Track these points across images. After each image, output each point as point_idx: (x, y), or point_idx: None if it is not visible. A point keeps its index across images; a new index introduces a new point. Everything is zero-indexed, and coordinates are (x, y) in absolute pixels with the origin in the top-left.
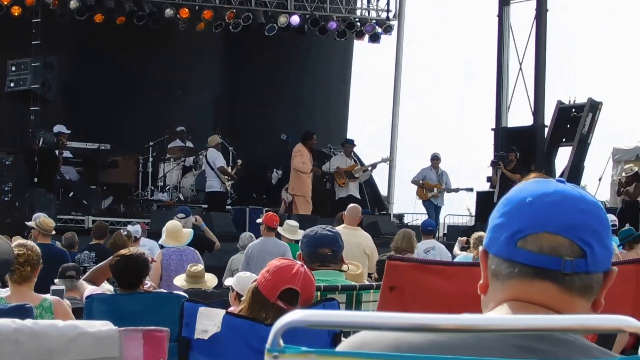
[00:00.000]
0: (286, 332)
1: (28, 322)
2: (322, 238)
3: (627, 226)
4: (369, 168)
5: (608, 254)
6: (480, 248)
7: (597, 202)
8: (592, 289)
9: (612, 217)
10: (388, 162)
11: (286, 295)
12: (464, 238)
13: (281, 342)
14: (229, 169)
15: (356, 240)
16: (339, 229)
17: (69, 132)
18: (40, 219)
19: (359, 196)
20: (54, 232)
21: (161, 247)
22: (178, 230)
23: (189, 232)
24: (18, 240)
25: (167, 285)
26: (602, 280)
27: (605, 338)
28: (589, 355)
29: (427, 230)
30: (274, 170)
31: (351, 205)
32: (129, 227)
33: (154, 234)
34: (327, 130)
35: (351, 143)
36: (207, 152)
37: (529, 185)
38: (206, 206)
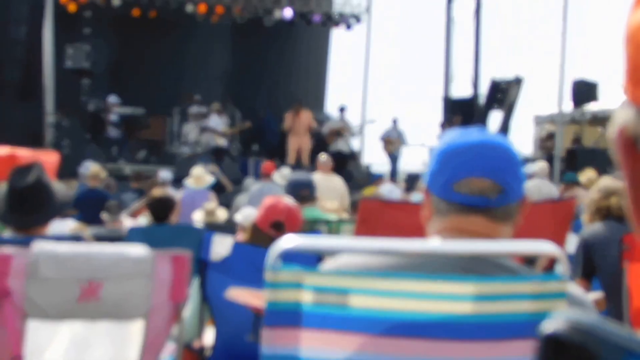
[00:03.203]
0: (283, 255)
1: (82, 246)
2: (298, 182)
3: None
4: (357, 128)
5: (521, 185)
6: (422, 187)
7: (509, 145)
8: (511, 215)
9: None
10: (373, 123)
11: (275, 226)
12: (403, 183)
13: (279, 262)
14: (229, 128)
15: (331, 184)
16: (317, 175)
17: (118, 101)
18: (92, 167)
19: (348, 151)
20: (102, 177)
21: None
22: (200, 176)
23: (209, 179)
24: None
25: (183, 219)
26: (519, 206)
27: (530, 261)
28: (516, 274)
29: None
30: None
31: (322, 156)
32: (161, 173)
33: (179, 180)
34: (309, 100)
35: (344, 108)
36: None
37: (456, 137)
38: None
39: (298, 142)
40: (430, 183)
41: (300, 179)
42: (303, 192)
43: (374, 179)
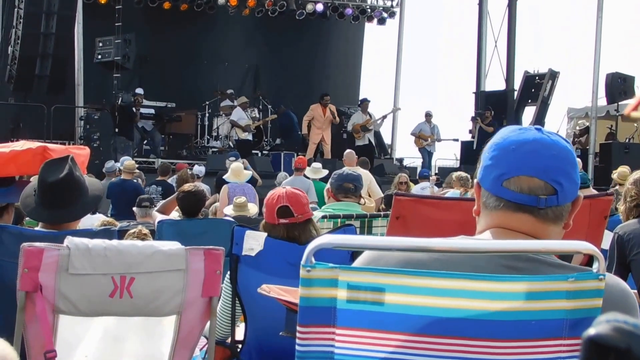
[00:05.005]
0: (316, 252)
1: (114, 242)
2: (348, 175)
3: (580, 168)
4: (382, 118)
5: (575, 187)
6: (475, 181)
7: (567, 146)
8: (562, 216)
9: None
10: (397, 112)
11: (283, 213)
12: (434, 177)
13: (313, 259)
14: (252, 122)
15: None
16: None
17: (142, 93)
18: (126, 161)
19: (375, 142)
20: (136, 171)
21: (222, 182)
22: (240, 170)
23: (248, 173)
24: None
25: None
26: (570, 207)
27: (565, 258)
28: (555, 271)
29: (423, 176)
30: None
31: (347, 151)
32: (195, 168)
33: (210, 174)
34: (343, 93)
35: (367, 101)
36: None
37: (513, 134)
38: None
39: (320, 135)
40: (481, 177)
41: (348, 172)
42: (346, 185)
43: (421, 175)
